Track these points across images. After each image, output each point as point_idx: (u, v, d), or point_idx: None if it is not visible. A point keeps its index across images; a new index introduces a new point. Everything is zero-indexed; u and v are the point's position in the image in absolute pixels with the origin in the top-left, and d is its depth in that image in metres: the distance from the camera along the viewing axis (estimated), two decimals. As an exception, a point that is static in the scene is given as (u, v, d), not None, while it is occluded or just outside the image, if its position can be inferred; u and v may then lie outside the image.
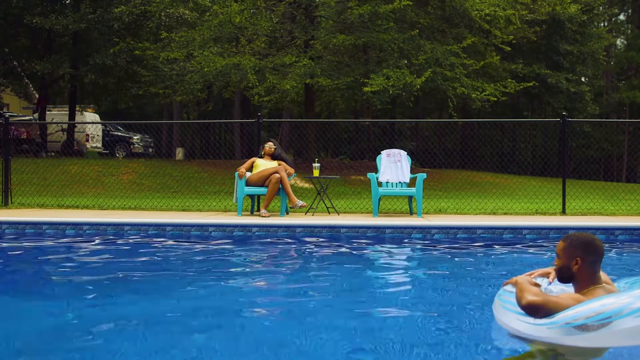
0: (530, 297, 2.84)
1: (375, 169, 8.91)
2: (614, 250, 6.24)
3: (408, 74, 16.47)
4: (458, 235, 6.87)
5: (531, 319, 2.85)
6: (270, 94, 18.96)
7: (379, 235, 6.89)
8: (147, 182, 15.86)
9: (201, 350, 2.88)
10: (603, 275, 3.05)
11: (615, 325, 2.61)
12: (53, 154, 22.04)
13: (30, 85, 25.56)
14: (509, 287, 3.15)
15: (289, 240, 6.77)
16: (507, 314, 3.01)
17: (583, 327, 2.66)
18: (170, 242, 6.64)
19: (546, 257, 5.73)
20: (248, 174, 8.35)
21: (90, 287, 4.34)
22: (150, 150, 25.33)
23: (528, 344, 2.87)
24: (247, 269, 5.38)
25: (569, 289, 3.07)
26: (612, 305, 2.67)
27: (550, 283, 3.10)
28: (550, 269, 3.17)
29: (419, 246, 6.52)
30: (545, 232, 6.86)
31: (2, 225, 7.17)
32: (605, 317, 2.64)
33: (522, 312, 2.89)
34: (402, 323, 3.43)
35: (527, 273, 3.18)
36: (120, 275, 4.81)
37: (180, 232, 7.02)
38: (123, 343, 2.97)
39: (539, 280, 3.14)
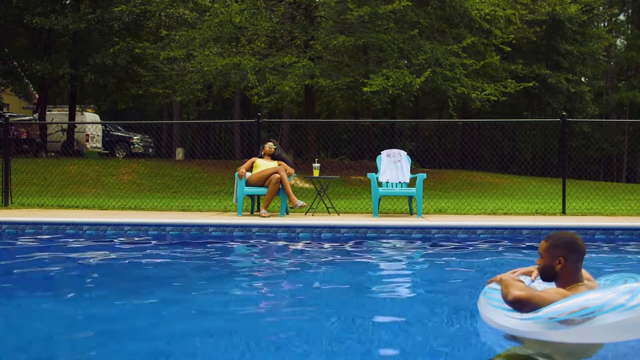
0: (516, 292, 2.87)
1: (375, 169, 8.91)
2: (614, 250, 6.24)
3: (408, 74, 16.48)
4: (458, 236, 6.87)
5: (517, 314, 2.87)
6: (270, 94, 18.98)
7: (379, 235, 6.89)
8: (147, 182, 15.86)
9: (201, 350, 2.88)
10: (584, 271, 3.09)
11: (598, 320, 2.65)
12: (53, 154, 22.04)
13: (30, 85, 25.55)
14: (493, 285, 3.18)
15: (289, 241, 6.76)
16: (494, 311, 3.03)
17: (567, 322, 2.69)
18: (170, 242, 6.64)
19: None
20: (248, 174, 8.35)
21: (88, 289, 4.35)
22: (150, 150, 25.33)
23: (518, 344, 2.88)
24: (247, 270, 5.38)
25: (549, 287, 3.09)
26: (596, 301, 2.71)
27: (532, 281, 3.13)
28: (532, 268, 3.20)
29: (418, 246, 6.52)
30: (545, 232, 6.85)
31: (2, 225, 7.17)
32: (588, 312, 2.67)
33: (508, 307, 2.91)
34: (401, 322, 3.43)
35: (509, 272, 3.20)
36: (120, 276, 4.81)
37: (180, 232, 7.02)
38: (123, 343, 2.98)
39: (521, 279, 3.16)
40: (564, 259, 2.97)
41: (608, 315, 2.65)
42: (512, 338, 2.92)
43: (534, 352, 2.80)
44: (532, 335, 2.80)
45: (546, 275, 3.05)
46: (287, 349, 2.92)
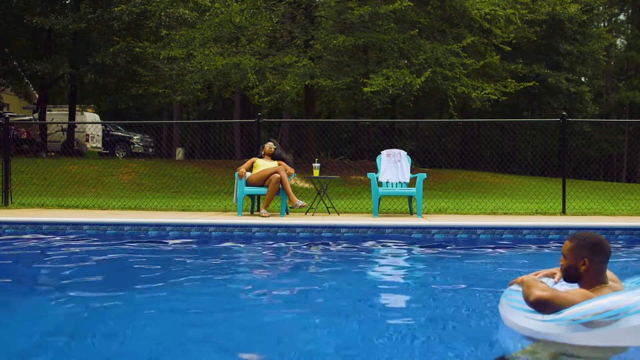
0: (538, 292, 2.82)
1: (375, 169, 8.90)
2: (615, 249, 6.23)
3: (408, 74, 16.48)
4: (458, 235, 6.87)
5: (539, 316, 2.82)
6: (270, 94, 18.98)
7: (379, 235, 6.89)
8: (147, 182, 15.85)
9: (200, 350, 2.88)
10: (609, 273, 3.03)
11: (623, 323, 2.56)
12: (53, 154, 22.04)
13: (30, 85, 25.53)
14: (515, 287, 3.13)
15: (289, 241, 6.76)
16: (515, 312, 2.98)
17: (590, 324, 2.62)
18: (171, 242, 6.63)
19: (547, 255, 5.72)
20: (248, 174, 8.35)
21: (89, 288, 4.35)
22: (150, 150, 25.33)
23: (533, 345, 2.85)
24: (247, 270, 5.37)
25: (572, 288, 3.05)
26: (621, 303, 2.62)
27: (555, 283, 3.08)
28: (555, 270, 3.15)
29: (419, 246, 6.52)
30: (545, 232, 6.86)
31: (2, 225, 7.17)
32: (613, 315, 2.59)
33: (531, 309, 2.86)
34: (402, 323, 3.43)
35: (532, 273, 3.17)
36: (119, 275, 4.81)
37: (180, 232, 7.02)
38: (123, 343, 2.98)
39: (544, 280, 3.12)
40: (588, 260, 2.91)
41: (633, 317, 2.55)
42: (529, 340, 2.88)
43: (553, 354, 2.76)
44: (553, 338, 2.74)
45: (570, 275, 2.99)
46: (285, 349, 2.91)
